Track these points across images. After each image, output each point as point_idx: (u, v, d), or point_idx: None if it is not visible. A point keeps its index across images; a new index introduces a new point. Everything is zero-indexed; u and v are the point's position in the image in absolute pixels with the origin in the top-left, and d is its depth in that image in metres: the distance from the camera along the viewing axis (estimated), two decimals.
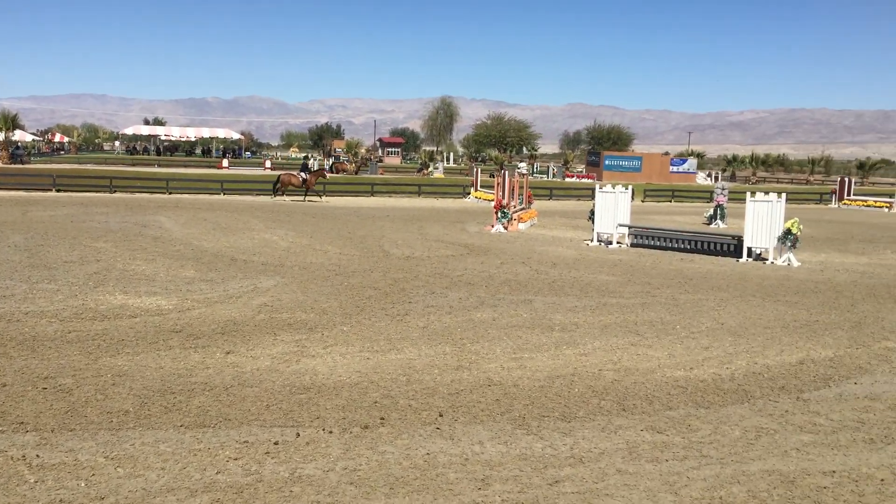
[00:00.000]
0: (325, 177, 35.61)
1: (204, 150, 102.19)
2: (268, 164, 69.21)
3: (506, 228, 23.07)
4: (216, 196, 34.85)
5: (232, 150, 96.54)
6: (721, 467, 5.67)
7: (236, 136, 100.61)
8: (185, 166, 65.44)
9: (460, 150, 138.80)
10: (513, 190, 24.85)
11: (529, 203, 28.01)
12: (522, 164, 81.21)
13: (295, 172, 34.19)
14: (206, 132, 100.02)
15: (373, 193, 39.76)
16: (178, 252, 16.14)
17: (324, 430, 6.24)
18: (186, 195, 34.62)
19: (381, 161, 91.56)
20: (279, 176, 34.24)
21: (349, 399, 7.02)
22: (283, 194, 33.71)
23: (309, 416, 6.56)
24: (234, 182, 39.58)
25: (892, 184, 45.71)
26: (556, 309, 11.50)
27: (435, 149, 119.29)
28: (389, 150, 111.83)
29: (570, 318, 10.83)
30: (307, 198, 33.68)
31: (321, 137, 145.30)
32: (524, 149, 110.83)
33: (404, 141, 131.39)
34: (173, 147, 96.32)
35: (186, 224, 21.77)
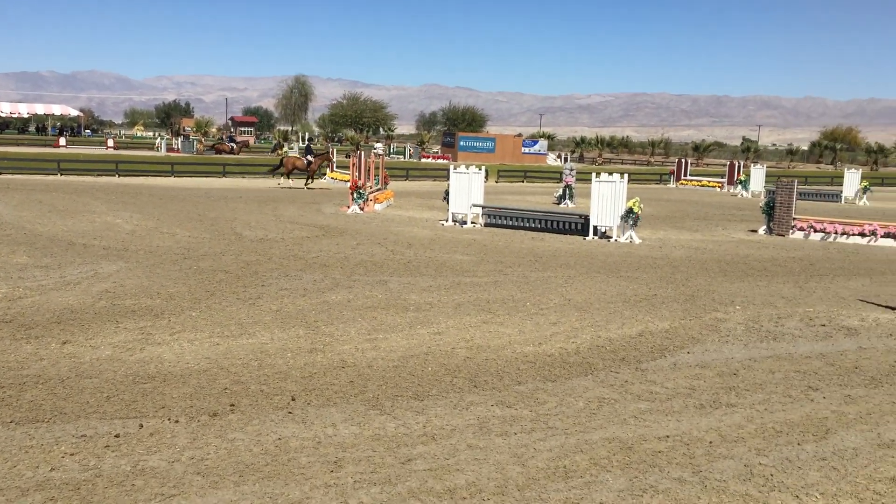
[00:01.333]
0: (330, 161, 34.19)
1: (38, 128, 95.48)
2: (110, 142, 65.66)
3: (362, 209, 22.98)
4: (52, 176, 32.71)
5: (70, 127, 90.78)
6: (566, 437, 5.92)
7: (75, 112, 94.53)
8: (18, 144, 61.05)
9: (316, 130, 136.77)
10: (369, 171, 24.75)
11: (386, 184, 28.01)
12: (379, 145, 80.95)
13: (299, 156, 32.82)
14: (40, 108, 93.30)
15: (224, 174, 38.52)
16: (8, 237, 15.04)
17: (169, 419, 6.02)
18: (18, 175, 32.30)
19: (233, 140, 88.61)
20: (282, 159, 33.20)
21: (197, 387, 6.80)
22: (287, 177, 32.45)
23: (153, 405, 6.30)
24: (72, 162, 37.26)
25: (724, 164, 48.94)
26: (411, 289, 11.58)
27: (290, 128, 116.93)
28: (242, 129, 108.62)
29: (425, 298, 10.95)
30: (308, 183, 32.09)
31: (169, 115, 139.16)
32: (381, 129, 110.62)
33: (258, 120, 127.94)
34: (3, 124, 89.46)
35: (18, 206, 20.32)
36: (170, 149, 64.27)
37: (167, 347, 7.99)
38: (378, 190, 25.71)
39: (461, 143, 72.94)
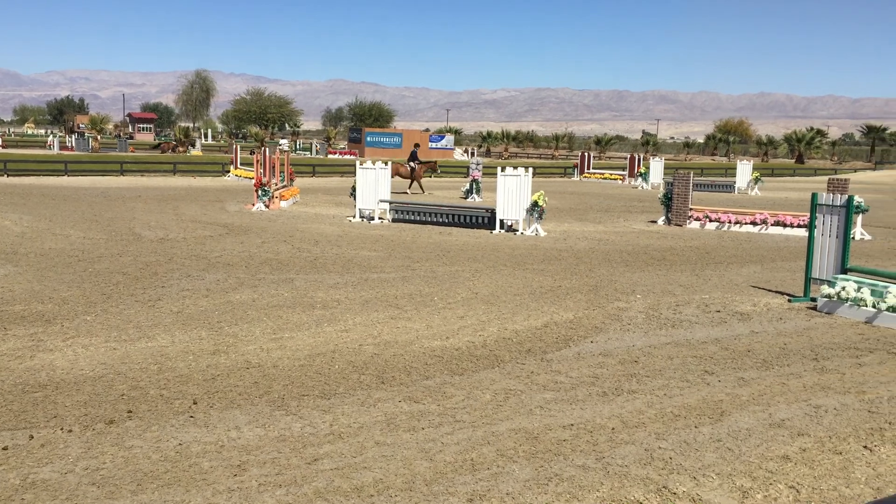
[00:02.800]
0: (435, 169, 33.38)
1: None
2: None
3: (267, 207, 22.57)
4: None
5: None
6: (473, 430, 5.95)
7: None
8: None
9: (219, 126, 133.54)
10: (274, 167, 24.32)
11: (291, 180, 27.60)
12: (284, 141, 79.71)
13: (403, 162, 31.47)
14: None
15: (122, 172, 37.17)
16: None
17: (62, 429, 5.75)
18: None
19: (131, 138, 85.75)
20: (387, 164, 31.80)
21: (92, 394, 6.53)
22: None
23: (45, 415, 6.02)
24: None
25: (625, 158, 50.32)
26: (318, 286, 11.45)
27: (191, 125, 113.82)
28: (141, 126, 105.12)
29: (332, 295, 10.84)
30: (411, 188, 30.90)
31: (62, 112, 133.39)
32: (286, 125, 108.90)
33: (157, 117, 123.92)
34: None
35: None
36: (63, 147, 61.59)
37: (60, 354, 7.64)
38: (284, 187, 25.31)
39: (368, 138, 72.60)
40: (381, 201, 20.72)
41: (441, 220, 20.08)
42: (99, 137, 64.44)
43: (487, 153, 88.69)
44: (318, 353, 8.01)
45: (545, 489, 4.97)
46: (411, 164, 30.61)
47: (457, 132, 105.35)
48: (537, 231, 18.53)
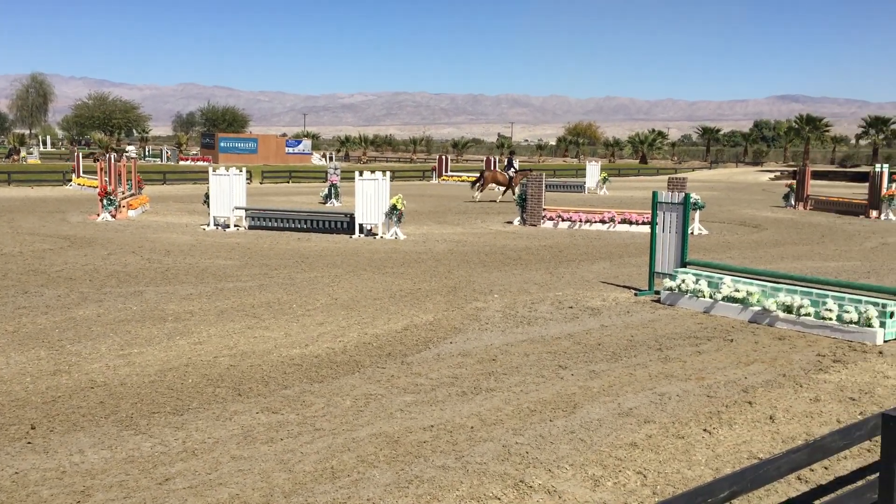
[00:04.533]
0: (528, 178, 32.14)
1: None
2: None
3: (114, 216, 21.48)
4: None
5: None
6: (333, 438, 5.89)
7: None
8: None
9: (59, 133, 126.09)
10: (120, 175, 23.18)
11: (140, 188, 26.42)
12: (132, 148, 76.31)
13: (500, 170, 31.71)
14: None
15: None
16: None
17: None
18: None
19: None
20: (482, 172, 32.50)
21: None
22: (482, 191, 31.18)
23: None
24: None
25: (482, 160, 51.39)
26: (170, 298, 11.01)
27: (28, 131, 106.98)
28: None
29: (185, 307, 10.45)
30: (504, 195, 30.72)
31: None
32: (133, 131, 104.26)
33: None
34: None
35: None
36: None
37: None
38: (132, 195, 24.19)
39: (222, 144, 70.56)
40: (237, 208, 20.18)
41: (299, 225, 19.78)
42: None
43: (346, 157, 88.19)
44: (169, 367, 7.69)
45: (405, 492, 4.98)
46: (509, 172, 31.04)
47: (314, 137, 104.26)
48: (397, 234, 18.60)
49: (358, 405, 6.67)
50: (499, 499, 4.93)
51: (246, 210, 20.44)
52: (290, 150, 73.41)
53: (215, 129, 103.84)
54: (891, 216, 25.11)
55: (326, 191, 29.40)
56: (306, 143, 77.24)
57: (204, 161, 65.34)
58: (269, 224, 20.05)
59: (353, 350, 8.48)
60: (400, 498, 4.90)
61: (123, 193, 23.19)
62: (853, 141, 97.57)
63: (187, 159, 68.58)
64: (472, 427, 6.18)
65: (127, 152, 56.17)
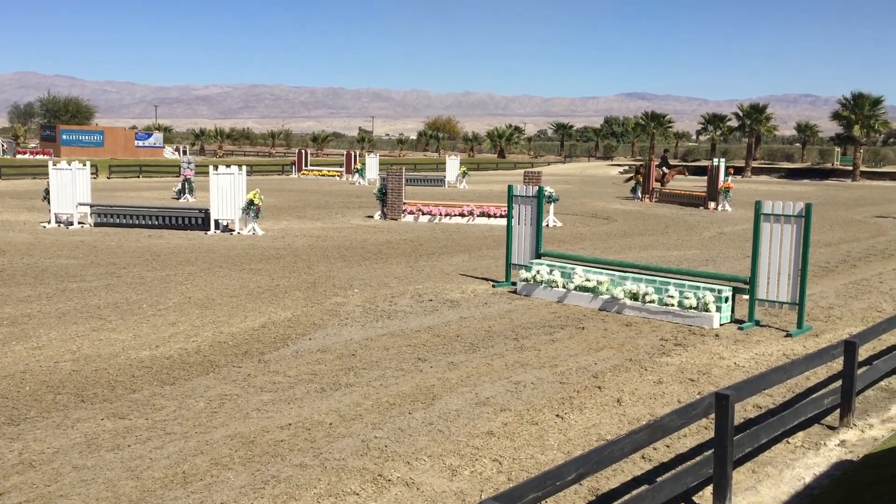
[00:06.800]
0: (684, 173, 35.85)
1: None
2: None
3: None
4: None
5: None
6: (185, 441, 5.69)
7: None
8: None
9: None
10: None
11: None
12: None
13: (656, 166, 32.01)
14: None
15: None
16: None
17: None
18: None
19: None
20: (638, 168, 32.80)
21: None
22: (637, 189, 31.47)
23: None
24: None
25: (342, 154, 50.92)
26: (5, 301, 10.29)
27: None
28: None
29: (22, 310, 9.79)
30: (662, 190, 30.67)
31: None
32: None
33: None
34: None
35: None
36: None
37: None
38: None
39: (64, 136, 66.46)
40: (81, 204, 19.09)
41: (151, 222, 18.95)
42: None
43: (201, 151, 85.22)
44: (4, 375, 7.19)
45: (262, 493, 4.88)
46: (663, 168, 31.89)
47: (167, 129, 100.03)
48: (254, 230, 18.16)
49: (212, 406, 6.47)
50: (357, 494, 4.91)
51: (91, 206, 19.37)
52: (141, 143, 70.12)
53: (57, 120, 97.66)
54: (727, 207, 26.89)
55: (180, 186, 28.30)
56: (158, 136, 73.98)
57: (44, 154, 61.37)
58: (118, 221, 19.10)
59: (207, 350, 8.22)
60: (256, 499, 4.79)
61: None
62: (694, 137, 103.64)
63: (25, 152, 64.19)
64: (330, 423, 6.13)
65: None
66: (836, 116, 53.66)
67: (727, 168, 28.51)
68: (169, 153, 70.71)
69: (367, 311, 10.16)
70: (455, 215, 21.72)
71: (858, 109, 51.70)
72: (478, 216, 21.52)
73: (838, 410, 6.41)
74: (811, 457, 5.76)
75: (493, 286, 12.07)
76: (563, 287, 11.01)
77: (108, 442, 5.66)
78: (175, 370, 7.49)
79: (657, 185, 31.73)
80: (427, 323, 9.61)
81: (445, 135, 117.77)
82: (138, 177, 43.56)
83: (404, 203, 22.11)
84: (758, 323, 9.72)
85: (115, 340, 8.50)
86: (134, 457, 5.40)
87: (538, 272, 11.33)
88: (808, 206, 9.46)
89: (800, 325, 9.41)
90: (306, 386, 7.06)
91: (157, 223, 18.91)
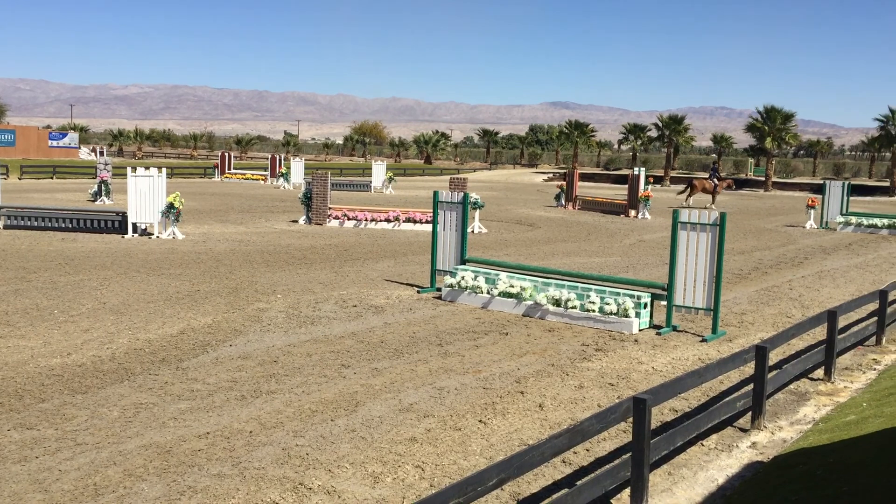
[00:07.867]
0: (732, 187, 36.98)
1: None
2: None
3: None
4: None
5: None
6: (97, 452, 5.49)
7: None
8: None
9: None
10: None
11: None
12: None
13: (707, 178, 33.62)
14: None
15: None
16: None
17: None
18: None
19: None
20: (692, 181, 34.48)
21: None
22: (691, 195, 32.96)
23: None
24: None
25: (267, 158, 50.10)
26: None
27: None
28: None
29: None
30: (712, 204, 31.83)
31: None
32: None
33: None
34: None
35: None
36: None
37: None
38: None
39: None
40: None
41: (64, 225, 18.30)
42: None
43: (119, 152, 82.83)
44: None
45: None
46: (714, 180, 33.05)
47: (83, 129, 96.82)
48: (174, 234, 17.72)
49: (126, 415, 6.27)
50: (277, 503, 4.83)
51: (1, 208, 18.59)
52: (55, 143, 67.71)
53: None
54: (647, 215, 27.56)
55: (96, 188, 27.42)
56: (73, 137, 71.59)
57: None
58: (29, 224, 18.37)
59: (122, 357, 7.96)
60: None
61: None
62: (616, 146, 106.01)
63: None
64: (250, 432, 6.01)
65: None
66: (749, 128, 55.59)
67: (647, 177, 29.25)
68: (85, 154, 68.52)
69: (290, 317, 10.02)
70: (381, 221, 21.65)
71: (770, 122, 53.69)
72: (403, 222, 21.50)
73: (750, 413, 6.64)
74: (724, 458, 5.94)
75: (419, 292, 12.07)
76: (488, 293, 11.08)
77: (15, 454, 5.42)
78: (87, 378, 7.23)
79: (708, 195, 33.40)
80: (351, 329, 9.54)
81: (372, 140, 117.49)
82: (52, 178, 42.03)
83: (330, 208, 21.92)
84: (675, 328, 9.98)
85: (24, 348, 8.16)
86: (42, 469, 5.19)
87: (463, 278, 11.38)
88: (722, 216, 9.77)
89: (714, 330, 9.70)
90: (226, 393, 6.92)
91: (71, 226, 18.27)
